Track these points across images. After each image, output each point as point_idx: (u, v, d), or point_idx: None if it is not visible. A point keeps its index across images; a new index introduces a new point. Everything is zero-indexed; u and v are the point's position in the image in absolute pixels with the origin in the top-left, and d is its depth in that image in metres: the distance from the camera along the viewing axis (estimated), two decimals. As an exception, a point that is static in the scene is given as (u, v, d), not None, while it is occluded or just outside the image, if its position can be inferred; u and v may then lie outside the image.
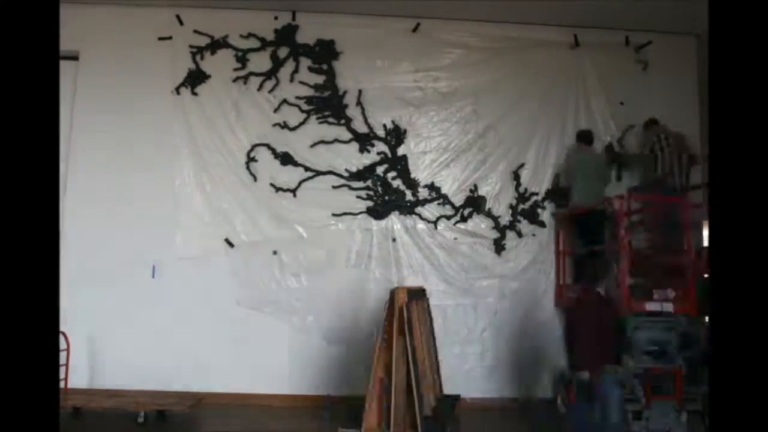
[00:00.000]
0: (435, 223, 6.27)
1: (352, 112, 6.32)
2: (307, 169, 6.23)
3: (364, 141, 6.30)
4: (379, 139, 6.33)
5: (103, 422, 5.06)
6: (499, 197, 6.33)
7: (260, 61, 6.30)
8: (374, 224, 6.22)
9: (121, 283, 5.93)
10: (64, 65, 5.72)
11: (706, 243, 5.39)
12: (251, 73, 6.28)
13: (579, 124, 6.46)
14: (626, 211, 5.23)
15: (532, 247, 6.29)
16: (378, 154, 6.31)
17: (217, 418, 5.32)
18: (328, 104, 6.31)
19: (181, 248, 6.04)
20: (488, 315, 6.15)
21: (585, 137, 6.20)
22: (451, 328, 6.06)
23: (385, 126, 6.33)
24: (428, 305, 5.32)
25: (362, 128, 6.31)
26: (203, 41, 6.29)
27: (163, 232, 6.05)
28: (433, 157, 6.36)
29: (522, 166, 6.40)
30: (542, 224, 6.33)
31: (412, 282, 6.13)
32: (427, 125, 6.39)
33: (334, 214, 6.18)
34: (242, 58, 6.28)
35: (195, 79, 6.24)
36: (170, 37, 6.26)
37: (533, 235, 6.29)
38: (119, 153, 6.11)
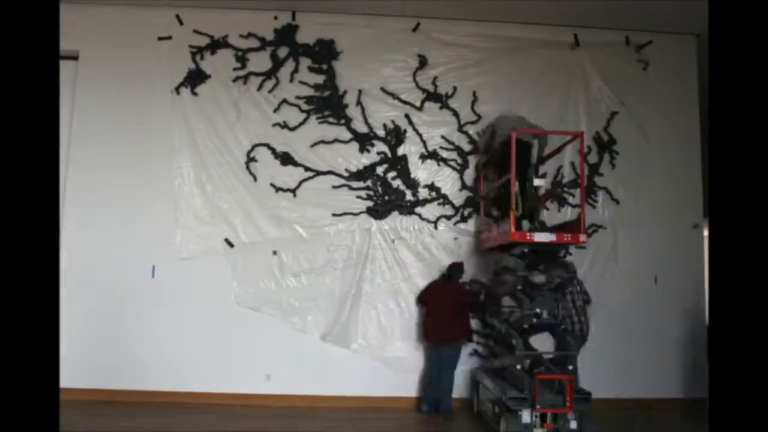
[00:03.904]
0: (435, 223, 6.26)
1: (352, 112, 6.32)
2: (307, 169, 6.23)
3: (364, 141, 6.30)
4: (379, 139, 6.33)
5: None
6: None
7: (260, 61, 6.30)
8: (374, 224, 6.22)
9: (121, 283, 5.93)
10: (64, 65, 5.74)
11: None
12: (251, 73, 6.28)
13: (579, 124, 6.46)
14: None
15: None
16: (378, 154, 6.31)
17: (217, 418, 5.33)
18: (328, 104, 6.31)
19: (181, 248, 6.04)
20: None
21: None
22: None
23: (385, 126, 6.34)
24: None
25: (362, 128, 6.31)
26: (203, 41, 6.29)
27: (163, 232, 6.05)
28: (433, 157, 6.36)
29: (522, 166, 6.40)
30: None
31: (413, 282, 6.13)
32: (427, 125, 6.38)
33: (334, 214, 6.18)
34: (242, 58, 6.28)
35: (195, 78, 6.25)
36: (170, 37, 6.27)
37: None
38: (119, 153, 6.11)
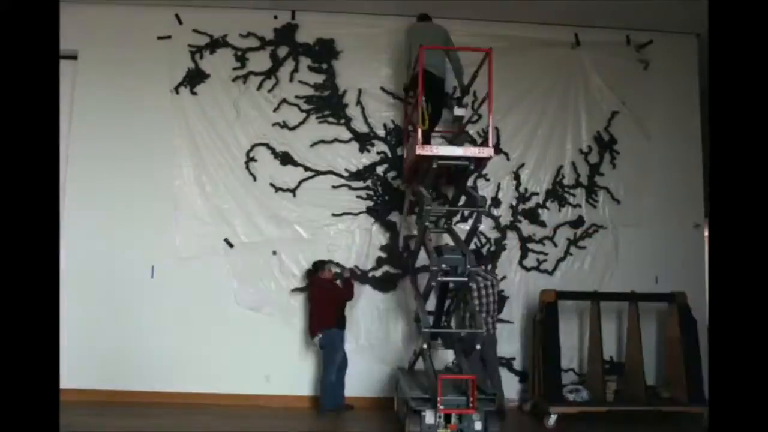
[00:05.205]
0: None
1: (352, 111, 6.32)
2: (306, 168, 6.23)
3: (364, 141, 6.30)
4: (379, 138, 6.32)
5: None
6: (499, 197, 6.34)
7: (260, 61, 6.29)
8: (374, 224, 6.21)
9: (120, 283, 5.93)
10: (63, 65, 5.72)
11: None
12: (251, 73, 6.27)
13: (579, 124, 6.46)
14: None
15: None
16: (378, 153, 6.31)
17: (217, 418, 5.33)
18: (327, 104, 6.30)
19: (180, 248, 6.03)
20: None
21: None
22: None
23: (385, 126, 6.33)
24: None
25: (362, 128, 6.31)
26: (202, 40, 6.28)
27: (163, 232, 6.05)
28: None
29: (522, 166, 6.40)
30: (543, 224, 6.34)
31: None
32: (427, 125, 6.37)
33: (334, 214, 6.17)
34: (242, 58, 6.28)
35: (194, 78, 6.24)
36: (169, 37, 6.26)
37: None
38: (118, 153, 6.11)
